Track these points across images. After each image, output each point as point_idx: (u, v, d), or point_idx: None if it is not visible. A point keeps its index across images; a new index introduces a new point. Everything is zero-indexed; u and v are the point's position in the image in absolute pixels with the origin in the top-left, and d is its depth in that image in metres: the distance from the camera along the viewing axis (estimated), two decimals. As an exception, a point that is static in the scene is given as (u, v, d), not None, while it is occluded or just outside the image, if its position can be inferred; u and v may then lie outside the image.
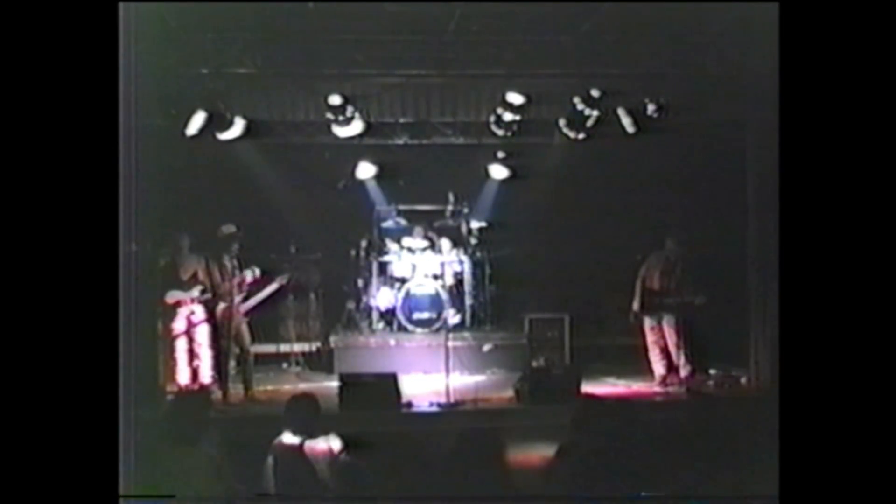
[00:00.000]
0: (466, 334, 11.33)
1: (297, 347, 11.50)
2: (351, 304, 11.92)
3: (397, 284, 11.71)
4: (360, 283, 11.89)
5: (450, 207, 12.03)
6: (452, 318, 11.39)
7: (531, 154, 11.79)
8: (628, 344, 10.60)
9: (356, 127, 10.31)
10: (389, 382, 8.82)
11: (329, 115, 10.09)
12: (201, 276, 9.22)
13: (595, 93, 9.86)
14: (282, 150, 11.44)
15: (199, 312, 9.20)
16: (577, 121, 10.20)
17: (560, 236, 12.18)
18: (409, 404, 8.85)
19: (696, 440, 4.65)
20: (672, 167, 11.53)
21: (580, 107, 9.98)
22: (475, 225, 12.13)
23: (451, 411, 8.81)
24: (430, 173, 12.02)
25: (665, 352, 10.05)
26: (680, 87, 9.80)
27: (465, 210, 12.05)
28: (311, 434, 5.45)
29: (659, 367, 10.08)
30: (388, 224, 12.25)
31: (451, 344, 9.67)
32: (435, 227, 12.19)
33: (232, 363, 9.64)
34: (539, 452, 5.43)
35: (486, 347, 11.14)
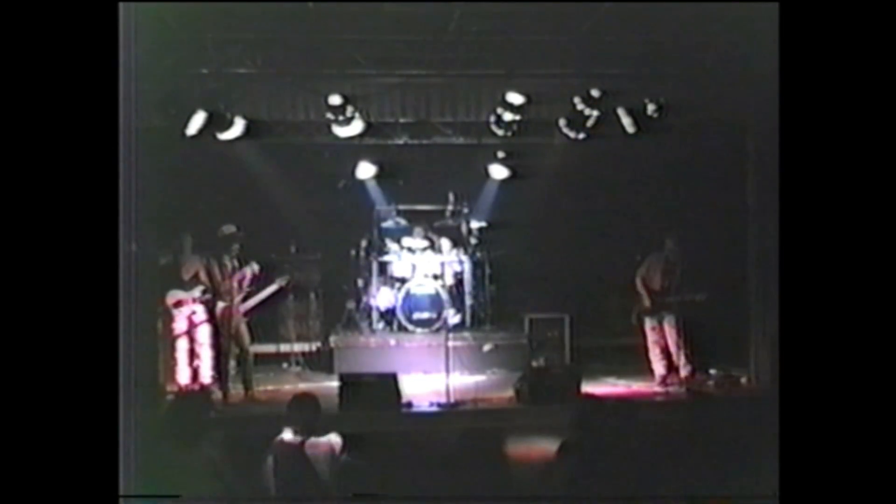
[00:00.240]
0: (466, 334, 11.32)
1: (297, 347, 11.49)
2: (351, 304, 11.91)
3: (397, 284, 11.71)
4: (360, 283, 11.88)
5: (450, 207, 12.03)
6: (452, 318, 11.37)
7: (531, 154, 11.76)
8: (628, 344, 10.60)
9: (356, 127, 10.28)
10: (389, 382, 8.80)
11: (329, 115, 10.06)
12: (202, 276, 9.25)
13: (595, 93, 9.84)
14: (282, 150, 11.41)
15: (201, 312, 9.25)
16: (577, 121, 10.17)
17: (560, 236, 12.16)
18: (410, 404, 8.83)
19: (697, 440, 4.66)
20: (672, 167, 11.51)
21: (580, 107, 9.96)
22: (475, 225, 12.11)
23: (452, 411, 8.79)
24: (430, 173, 12.02)
25: (665, 352, 10.05)
26: (680, 87, 9.78)
27: (465, 210, 12.04)
28: (313, 433, 5.45)
29: (659, 367, 10.08)
30: (388, 224, 12.24)
31: (451, 344, 9.64)
32: (435, 227, 12.17)
33: (232, 363, 9.64)
34: (539, 452, 5.43)
35: (486, 347, 11.13)
